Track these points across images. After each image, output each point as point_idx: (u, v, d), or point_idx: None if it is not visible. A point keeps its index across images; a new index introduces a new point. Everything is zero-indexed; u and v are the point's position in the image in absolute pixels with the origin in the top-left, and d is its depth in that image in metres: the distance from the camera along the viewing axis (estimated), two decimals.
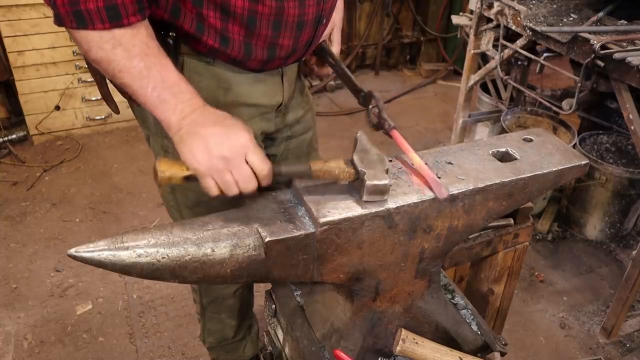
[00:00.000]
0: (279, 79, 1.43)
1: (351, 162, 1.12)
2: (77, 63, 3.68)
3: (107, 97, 1.47)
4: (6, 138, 3.73)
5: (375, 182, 1.09)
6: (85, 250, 1.00)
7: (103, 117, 3.93)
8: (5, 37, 3.43)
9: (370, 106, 1.40)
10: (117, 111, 1.54)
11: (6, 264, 2.83)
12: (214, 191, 1.08)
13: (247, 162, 1.07)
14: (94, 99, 3.83)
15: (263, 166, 1.08)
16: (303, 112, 1.62)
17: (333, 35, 1.57)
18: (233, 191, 1.08)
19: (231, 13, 1.18)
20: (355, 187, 1.14)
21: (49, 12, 3.85)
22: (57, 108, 3.78)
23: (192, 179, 1.09)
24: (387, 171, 1.12)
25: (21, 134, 3.80)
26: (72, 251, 1.00)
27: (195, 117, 1.08)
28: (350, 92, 1.47)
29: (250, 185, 1.08)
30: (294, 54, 1.35)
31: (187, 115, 1.08)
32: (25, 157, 3.66)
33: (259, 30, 1.23)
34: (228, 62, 1.29)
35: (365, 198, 1.10)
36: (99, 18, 1.02)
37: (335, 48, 1.57)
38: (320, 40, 1.48)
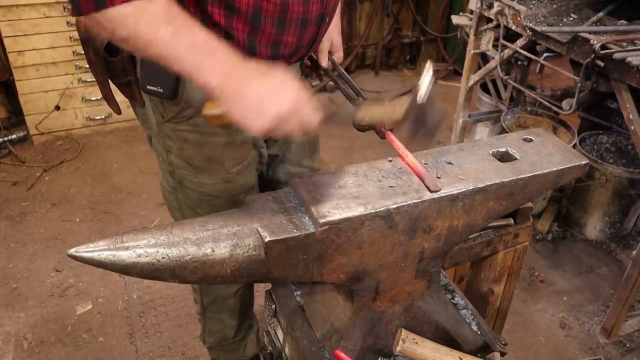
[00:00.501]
0: None
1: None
2: (77, 63, 3.68)
3: (108, 97, 1.47)
4: (6, 138, 3.73)
5: None
6: (85, 250, 1.00)
7: (103, 117, 3.93)
8: (5, 37, 3.43)
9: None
10: (118, 111, 1.54)
11: (6, 264, 2.83)
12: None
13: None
14: (94, 99, 3.82)
15: (313, 118, 1.09)
16: None
17: (334, 42, 1.56)
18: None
19: (236, 9, 1.18)
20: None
21: (49, 12, 3.82)
22: (57, 108, 3.78)
23: None
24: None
25: (21, 134, 3.80)
26: (72, 251, 0.99)
27: (237, 75, 1.05)
28: (344, 95, 1.47)
29: (298, 135, 1.11)
30: (297, 52, 1.35)
31: (227, 74, 1.05)
32: (25, 157, 3.66)
33: (264, 27, 1.23)
34: None
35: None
36: None
37: (338, 55, 1.58)
38: (322, 39, 1.48)
